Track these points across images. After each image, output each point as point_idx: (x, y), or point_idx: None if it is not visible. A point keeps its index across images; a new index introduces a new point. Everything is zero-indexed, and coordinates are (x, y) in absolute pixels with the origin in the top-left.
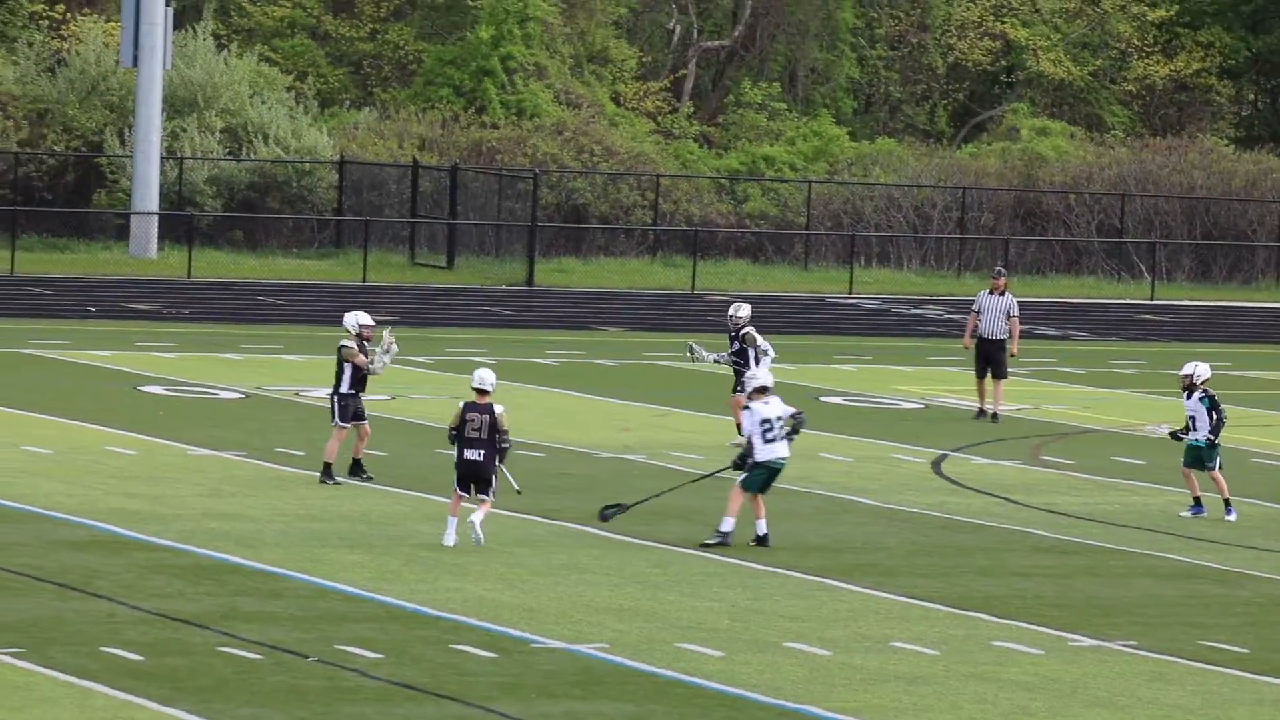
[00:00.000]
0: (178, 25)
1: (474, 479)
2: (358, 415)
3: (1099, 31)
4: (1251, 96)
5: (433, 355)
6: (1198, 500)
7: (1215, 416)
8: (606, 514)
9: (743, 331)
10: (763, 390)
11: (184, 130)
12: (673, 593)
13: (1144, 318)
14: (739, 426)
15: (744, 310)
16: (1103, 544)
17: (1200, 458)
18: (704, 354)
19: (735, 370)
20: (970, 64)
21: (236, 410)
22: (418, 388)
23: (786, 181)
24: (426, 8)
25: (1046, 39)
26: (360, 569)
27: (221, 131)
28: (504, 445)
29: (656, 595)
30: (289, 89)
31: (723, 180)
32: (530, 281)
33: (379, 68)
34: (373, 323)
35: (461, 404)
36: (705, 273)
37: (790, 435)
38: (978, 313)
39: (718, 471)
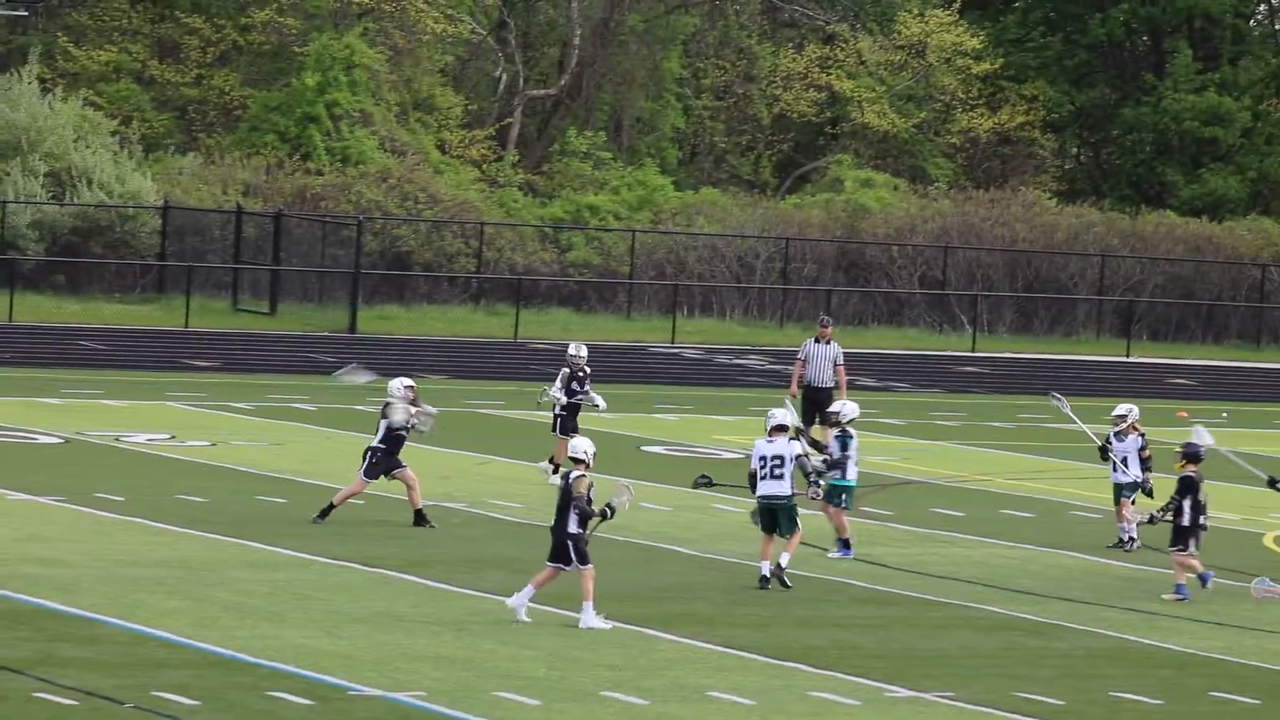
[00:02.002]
0: (2, 69)
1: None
2: (390, 470)
3: (924, 84)
4: (1074, 150)
5: (254, 402)
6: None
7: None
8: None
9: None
10: (781, 429)
11: (7, 174)
12: (491, 641)
13: (965, 370)
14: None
15: (585, 350)
16: (921, 595)
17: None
18: (554, 394)
19: (573, 409)
20: (795, 115)
21: (56, 455)
22: (239, 434)
23: (610, 230)
24: (252, 54)
25: (871, 91)
26: (179, 615)
27: (45, 175)
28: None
29: (474, 643)
30: (114, 133)
31: (547, 229)
32: (353, 328)
33: (204, 113)
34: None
35: None
36: (528, 321)
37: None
38: (804, 361)
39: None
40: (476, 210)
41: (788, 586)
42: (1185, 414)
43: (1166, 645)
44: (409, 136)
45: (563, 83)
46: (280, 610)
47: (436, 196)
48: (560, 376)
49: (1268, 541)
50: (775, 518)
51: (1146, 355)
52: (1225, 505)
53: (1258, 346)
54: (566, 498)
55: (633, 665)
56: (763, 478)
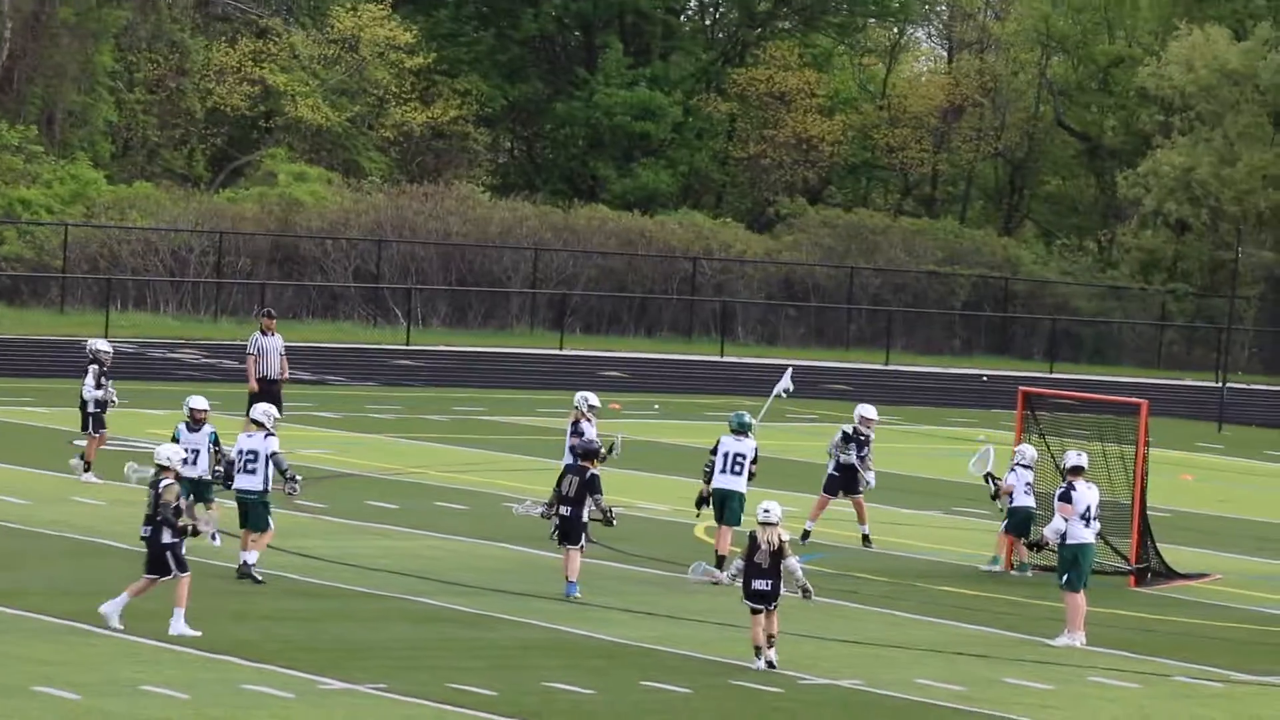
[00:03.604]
0: None
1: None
2: None
3: (357, 78)
4: (508, 144)
5: None
6: None
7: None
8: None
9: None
10: (259, 424)
11: None
12: None
13: (400, 363)
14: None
15: (110, 345)
16: (355, 587)
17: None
18: (88, 392)
19: (104, 404)
20: (229, 109)
21: None
22: None
23: (42, 224)
24: None
25: (305, 85)
26: None
27: None
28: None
29: None
30: None
31: None
32: None
33: None
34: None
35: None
36: None
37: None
38: (256, 355)
39: None
40: None
41: (259, 582)
42: (618, 405)
43: (598, 635)
44: None
45: None
46: None
47: None
48: (90, 373)
49: (699, 532)
50: (247, 512)
51: (579, 348)
52: (657, 496)
53: (689, 338)
54: (156, 506)
55: (66, 660)
56: (237, 471)
